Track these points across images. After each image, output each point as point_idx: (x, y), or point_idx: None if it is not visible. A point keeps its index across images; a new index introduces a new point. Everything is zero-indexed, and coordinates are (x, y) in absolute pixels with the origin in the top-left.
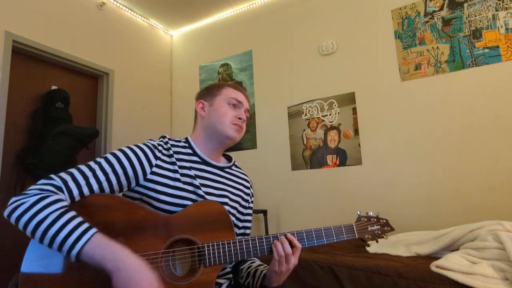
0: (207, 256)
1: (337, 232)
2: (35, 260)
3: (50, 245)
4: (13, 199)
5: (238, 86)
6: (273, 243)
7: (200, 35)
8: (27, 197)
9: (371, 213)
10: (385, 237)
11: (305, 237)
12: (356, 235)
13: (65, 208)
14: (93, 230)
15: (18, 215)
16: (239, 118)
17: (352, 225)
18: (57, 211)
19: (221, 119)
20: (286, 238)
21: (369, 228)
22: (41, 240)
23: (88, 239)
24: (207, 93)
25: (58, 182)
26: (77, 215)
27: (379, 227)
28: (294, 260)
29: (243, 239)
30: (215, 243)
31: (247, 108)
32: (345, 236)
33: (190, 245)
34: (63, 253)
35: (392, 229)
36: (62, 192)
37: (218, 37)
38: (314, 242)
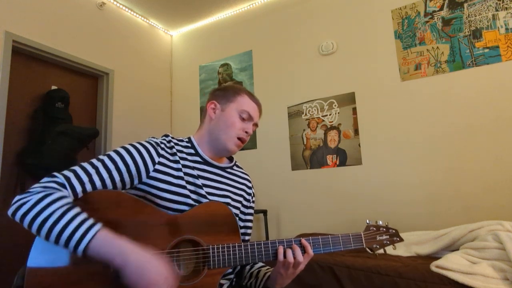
0: (211, 259)
1: (345, 241)
2: (42, 253)
3: (57, 241)
4: (17, 197)
5: (255, 96)
6: (285, 249)
7: (200, 35)
8: (31, 195)
9: (380, 222)
10: (394, 247)
11: (311, 244)
12: (364, 244)
13: (70, 205)
14: (98, 226)
15: (23, 214)
16: (246, 132)
17: (361, 234)
18: (62, 208)
19: (228, 129)
20: (301, 243)
21: (378, 238)
22: (47, 237)
23: (94, 235)
24: (223, 95)
25: (61, 179)
26: (82, 212)
27: (388, 237)
28: (302, 266)
29: (249, 243)
30: (220, 245)
31: (256, 122)
32: (352, 245)
33: (195, 245)
34: (69, 249)
35: (401, 240)
36: (65, 188)
37: (218, 37)
38: (320, 249)
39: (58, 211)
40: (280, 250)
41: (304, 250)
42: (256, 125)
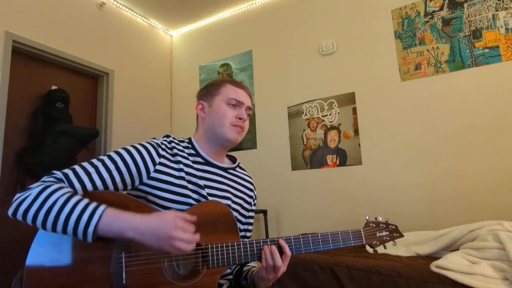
0: (210, 258)
1: (344, 238)
2: (40, 255)
3: (64, 229)
4: (17, 195)
5: (238, 82)
6: (262, 249)
7: (200, 35)
8: (30, 190)
9: (380, 218)
10: (394, 243)
11: (310, 241)
12: (364, 241)
13: (71, 193)
14: (103, 206)
15: (26, 208)
16: (240, 118)
17: (360, 231)
18: (64, 196)
19: (221, 121)
20: (278, 244)
21: (378, 234)
22: (54, 226)
23: (102, 213)
24: (206, 92)
25: (59, 175)
26: (84, 198)
27: (387, 233)
28: (283, 268)
29: (248, 242)
30: (218, 244)
31: (248, 106)
32: (352, 242)
33: None
34: (78, 233)
35: (401, 236)
36: (63, 183)
37: (218, 37)
38: (320, 247)
39: (61, 199)
40: (265, 252)
41: (281, 251)
42: (249, 108)
